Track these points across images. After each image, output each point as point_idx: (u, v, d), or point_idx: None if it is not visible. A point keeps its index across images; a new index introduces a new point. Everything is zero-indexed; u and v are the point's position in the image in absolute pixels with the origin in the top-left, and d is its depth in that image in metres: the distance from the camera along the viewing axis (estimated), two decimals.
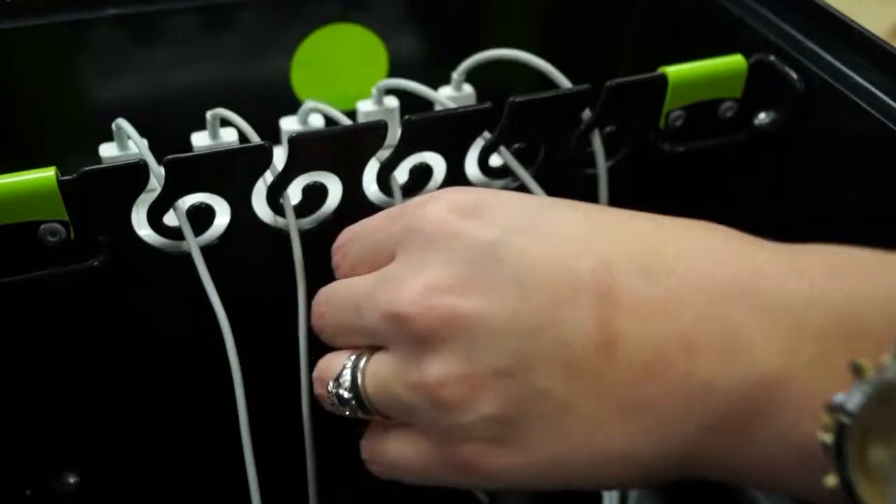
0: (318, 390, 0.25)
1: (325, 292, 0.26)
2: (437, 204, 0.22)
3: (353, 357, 0.24)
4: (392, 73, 0.41)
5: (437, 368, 0.21)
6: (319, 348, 0.27)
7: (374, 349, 0.23)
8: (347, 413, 0.24)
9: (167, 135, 0.33)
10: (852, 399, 0.17)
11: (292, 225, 0.30)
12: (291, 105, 0.36)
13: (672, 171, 0.37)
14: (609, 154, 0.34)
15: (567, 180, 0.34)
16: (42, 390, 0.34)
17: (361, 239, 0.25)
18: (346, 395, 0.23)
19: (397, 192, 0.32)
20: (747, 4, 0.37)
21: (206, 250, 0.30)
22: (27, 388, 0.33)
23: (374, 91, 0.36)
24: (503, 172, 0.33)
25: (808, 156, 0.35)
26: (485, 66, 0.35)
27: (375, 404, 0.23)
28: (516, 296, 0.20)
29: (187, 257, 0.29)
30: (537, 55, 0.33)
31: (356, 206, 0.32)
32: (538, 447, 0.20)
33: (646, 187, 0.37)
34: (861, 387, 0.17)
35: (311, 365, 0.30)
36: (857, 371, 0.17)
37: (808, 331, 0.18)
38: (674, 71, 0.33)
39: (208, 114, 0.33)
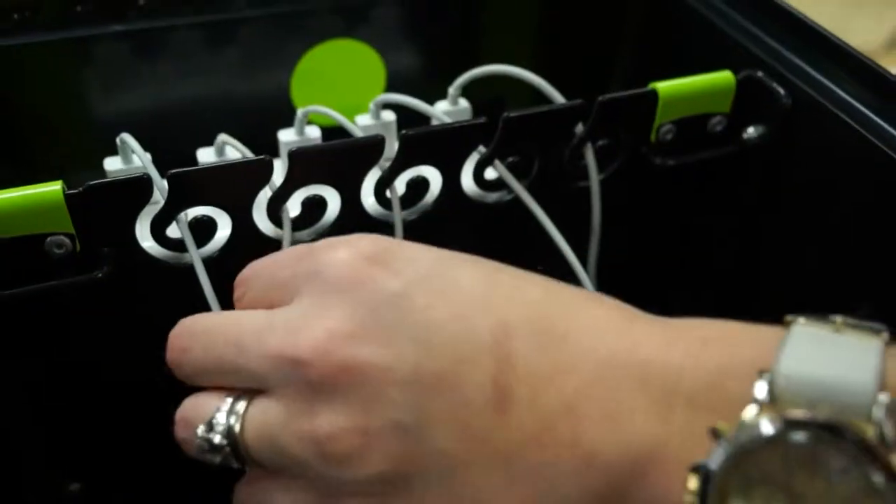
0: (181, 434, 0.23)
1: (192, 325, 0.24)
2: (344, 250, 0.22)
3: (229, 399, 0.22)
4: (389, 87, 0.42)
5: (330, 419, 0.20)
6: None
7: (252, 392, 0.22)
8: (217, 461, 0.22)
9: (170, 148, 0.34)
10: (712, 461, 0.17)
11: (286, 238, 0.31)
12: (292, 118, 0.37)
13: (663, 184, 0.38)
14: (601, 167, 0.35)
15: (560, 193, 0.35)
16: (46, 399, 0.34)
17: (266, 275, 0.24)
18: (219, 441, 0.22)
19: (396, 205, 0.32)
20: (736, 22, 0.37)
21: (207, 262, 0.31)
22: (31, 396, 0.34)
23: (371, 105, 0.37)
24: (498, 185, 0.34)
25: (795, 169, 0.36)
26: (480, 80, 0.36)
27: (253, 453, 0.22)
28: (418, 351, 0.20)
29: (190, 269, 0.30)
30: (531, 70, 0.34)
31: (354, 219, 0.32)
32: None
33: (637, 199, 0.38)
34: (720, 448, 0.18)
35: None
36: (716, 434, 0.18)
37: (681, 399, 0.19)
38: (664, 86, 0.34)
39: (218, 138, 0.33)
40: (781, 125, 0.35)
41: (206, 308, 0.30)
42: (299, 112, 0.36)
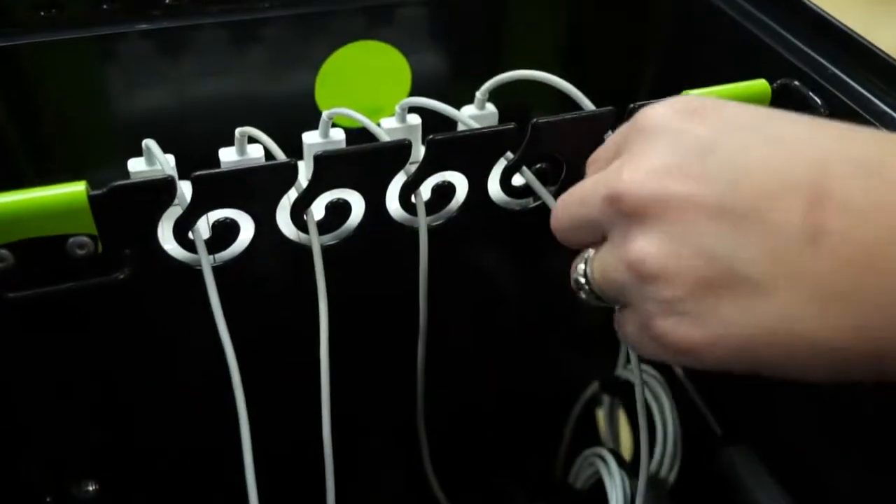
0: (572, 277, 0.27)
1: (560, 198, 0.27)
2: (662, 106, 0.24)
3: (589, 252, 0.26)
4: (415, 90, 0.42)
5: (642, 243, 0.22)
6: (339, 360, 0.27)
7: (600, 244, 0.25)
8: (584, 297, 0.26)
9: (194, 148, 0.33)
10: None
11: (315, 241, 0.30)
12: (315, 121, 0.36)
13: None
14: None
15: None
16: (65, 400, 0.34)
17: (605, 145, 0.27)
18: (582, 282, 0.26)
19: (421, 211, 0.32)
20: (771, 29, 0.37)
21: (230, 264, 0.30)
22: (50, 397, 0.34)
23: (397, 109, 0.37)
24: (525, 192, 0.34)
25: None
26: (504, 86, 0.35)
27: (598, 290, 0.25)
28: (728, 185, 0.21)
29: (212, 271, 0.30)
30: (558, 75, 0.33)
31: (378, 223, 0.32)
32: (729, 328, 0.21)
33: None
34: None
35: (332, 374, 0.30)
36: None
37: None
38: (698, 94, 0.33)
39: (237, 131, 0.33)
40: None
41: (227, 310, 0.29)
42: (324, 114, 0.36)
